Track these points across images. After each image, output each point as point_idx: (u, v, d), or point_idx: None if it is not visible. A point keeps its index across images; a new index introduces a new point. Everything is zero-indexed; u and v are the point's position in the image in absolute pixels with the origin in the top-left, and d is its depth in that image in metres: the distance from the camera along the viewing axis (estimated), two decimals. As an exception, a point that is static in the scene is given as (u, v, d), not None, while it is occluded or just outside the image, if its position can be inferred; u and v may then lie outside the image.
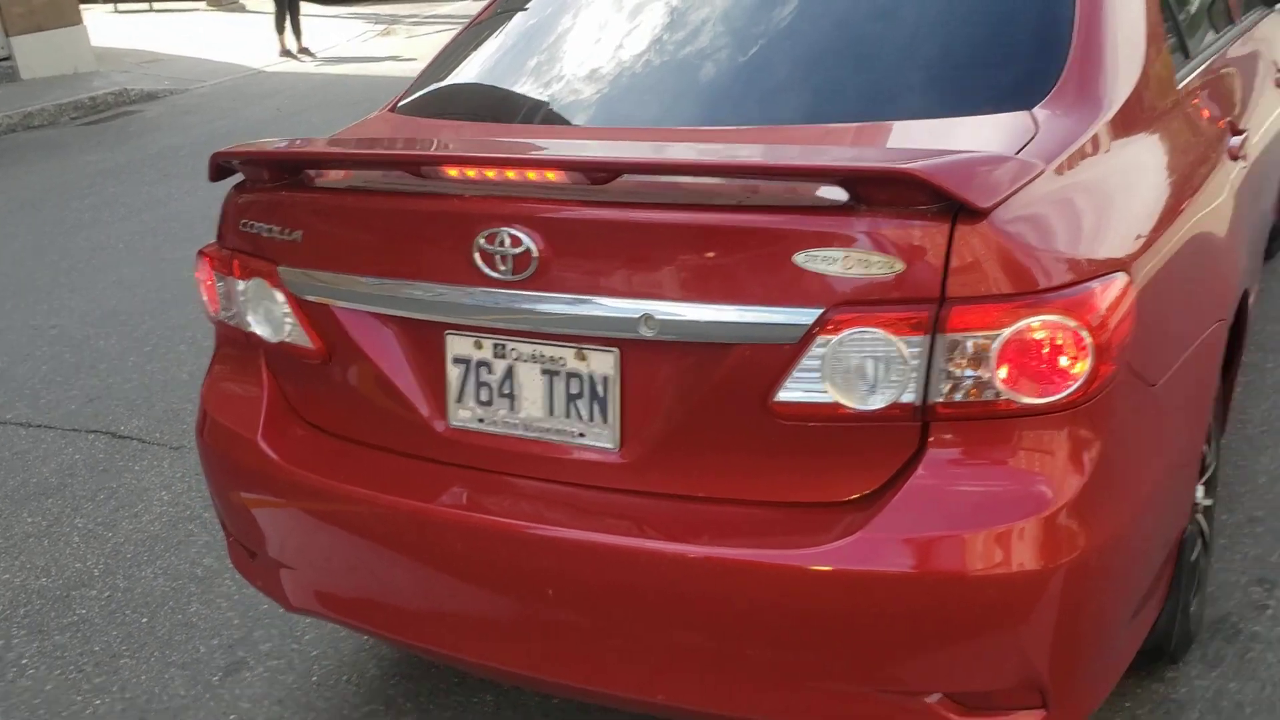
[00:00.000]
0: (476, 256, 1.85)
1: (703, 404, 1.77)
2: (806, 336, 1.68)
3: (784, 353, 1.70)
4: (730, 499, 1.80)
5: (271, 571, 2.26)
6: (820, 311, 1.67)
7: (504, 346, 1.91)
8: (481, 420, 1.95)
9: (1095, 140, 1.93)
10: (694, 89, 2.23)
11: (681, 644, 1.81)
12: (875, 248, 1.64)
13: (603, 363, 1.84)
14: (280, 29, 13.51)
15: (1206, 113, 2.45)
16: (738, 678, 1.79)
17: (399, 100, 2.63)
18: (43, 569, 3.25)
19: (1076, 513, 1.68)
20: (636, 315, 1.76)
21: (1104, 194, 1.87)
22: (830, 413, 1.70)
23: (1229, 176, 2.41)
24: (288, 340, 2.14)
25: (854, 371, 1.68)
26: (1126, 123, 2.05)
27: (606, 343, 1.82)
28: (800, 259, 1.67)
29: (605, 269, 1.79)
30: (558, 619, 1.89)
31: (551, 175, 1.82)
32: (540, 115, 2.34)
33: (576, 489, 1.89)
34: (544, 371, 1.89)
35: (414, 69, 3.02)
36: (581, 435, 1.88)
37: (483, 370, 1.94)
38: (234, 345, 2.32)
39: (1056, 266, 1.68)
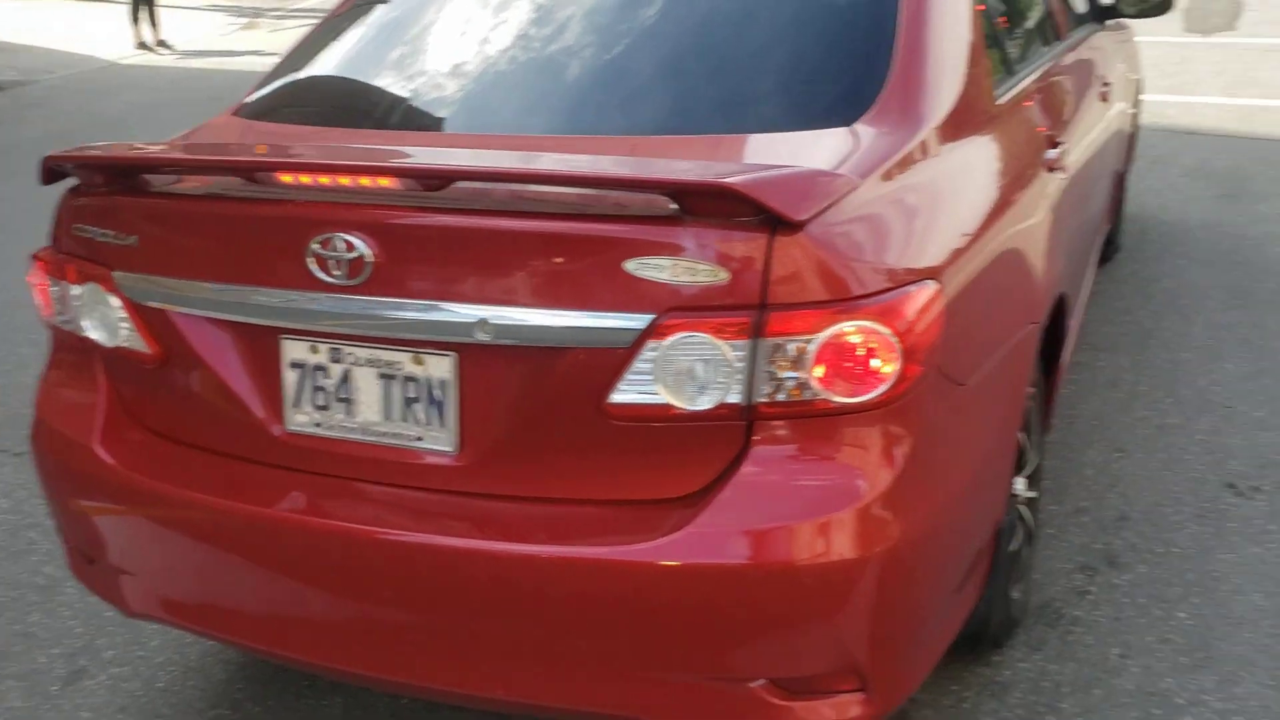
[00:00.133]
0: (310, 261, 1.87)
1: (539, 406, 1.82)
2: (638, 341, 1.74)
3: (617, 356, 1.76)
4: (566, 499, 1.85)
5: (111, 577, 2.23)
6: (651, 317, 1.73)
7: (340, 351, 1.93)
8: (319, 425, 1.97)
9: (912, 155, 2.04)
10: (535, 98, 2.28)
11: (518, 641, 1.86)
12: (701, 256, 1.71)
13: (440, 367, 1.87)
14: (136, 20, 13.05)
15: (1025, 127, 2.59)
16: (572, 671, 1.85)
17: (243, 102, 2.61)
18: None
19: (889, 504, 1.78)
20: (472, 320, 1.80)
21: (918, 206, 1.98)
22: (661, 413, 1.77)
23: (1045, 188, 2.55)
24: (124, 345, 2.11)
25: (683, 374, 1.75)
26: (944, 137, 2.16)
27: (443, 347, 1.86)
28: (631, 266, 1.73)
29: (441, 274, 1.82)
30: (399, 620, 1.92)
31: (385, 181, 1.84)
32: (381, 120, 2.36)
33: (415, 492, 1.92)
34: (381, 375, 1.91)
35: (273, 66, 3.00)
36: (419, 439, 1.91)
37: (319, 374, 1.95)
38: (70, 350, 2.28)
39: (870, 275, 1.78)
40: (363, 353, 1.92)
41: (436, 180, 1.79)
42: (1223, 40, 9.92)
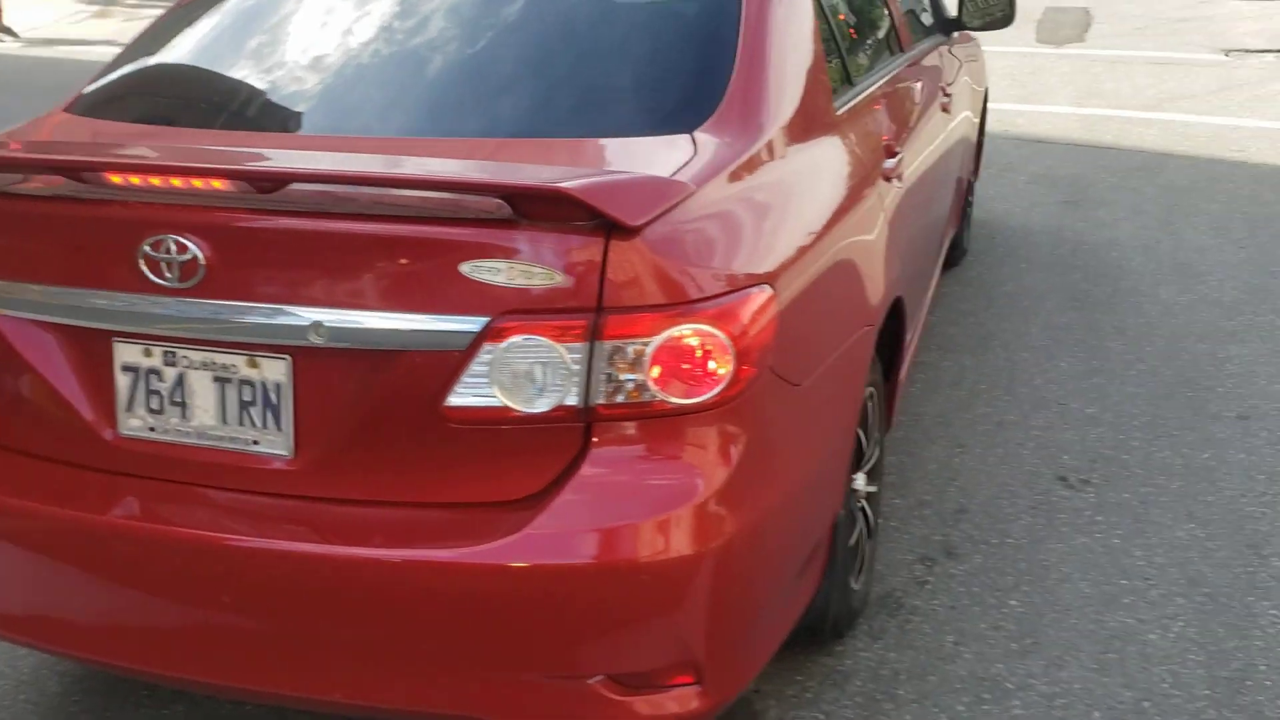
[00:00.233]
0: (142, 263, 1.84)
1: (376, 410, 1.82)
2: (474, 343, 1.76)
3: (453, 359, 1.77)
4: (404, 501, 1.86)
5: (-67, 590, 2.15)
6: (487, 320, 1.75)
7: (174, 354, 1.90)
8: (153, 429, 1.93)
9: (750, 162, 2.10)
10: (379, 100, 2.27)
11: (357, 644, 1.86)
12: (537, 260, 1.74)
13: (275, 370, 1.85)
14: (-23, 5, 12.48)
15: (864, 136, 2.68)
16: (412, 673, 1.86)
17: (77, 96, 2.54)
18: None
19: (724, 502, 1.83)
20: (307, 323, 1.80)
21: (754, 212, 2.04)
22: (499, 416, 1.79)
23: (882, 196, 2.65)
24: (-54, 349, 2.04)
25: (520, 376, 1.77)
26: (783, 146, 2.23)
27: (278, 350, 1.84)
28: (467, 269, 1.74)
29: (275, 277, 1.81)
30: (238, 626, 1.90)
31: (218, 183, 1.82)
32: (217, 119, 2.32)
33: (251, 496, 1.91)
34: (216, 379, 1.89)
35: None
36: (255, 443, 1.89)
37: (153, 378, 1.92)
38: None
39: (704, 279, 1.83)
40: (197, 356, 1.89)
41: (269, 183, 1.77)
42: (1073, 51, 10.37)
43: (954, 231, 4.68)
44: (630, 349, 1.77)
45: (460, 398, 1.78)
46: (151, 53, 2.60)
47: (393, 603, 1.81)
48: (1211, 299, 4.68)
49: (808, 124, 2.37)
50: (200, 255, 1.81)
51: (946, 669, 2.61)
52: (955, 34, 4.60)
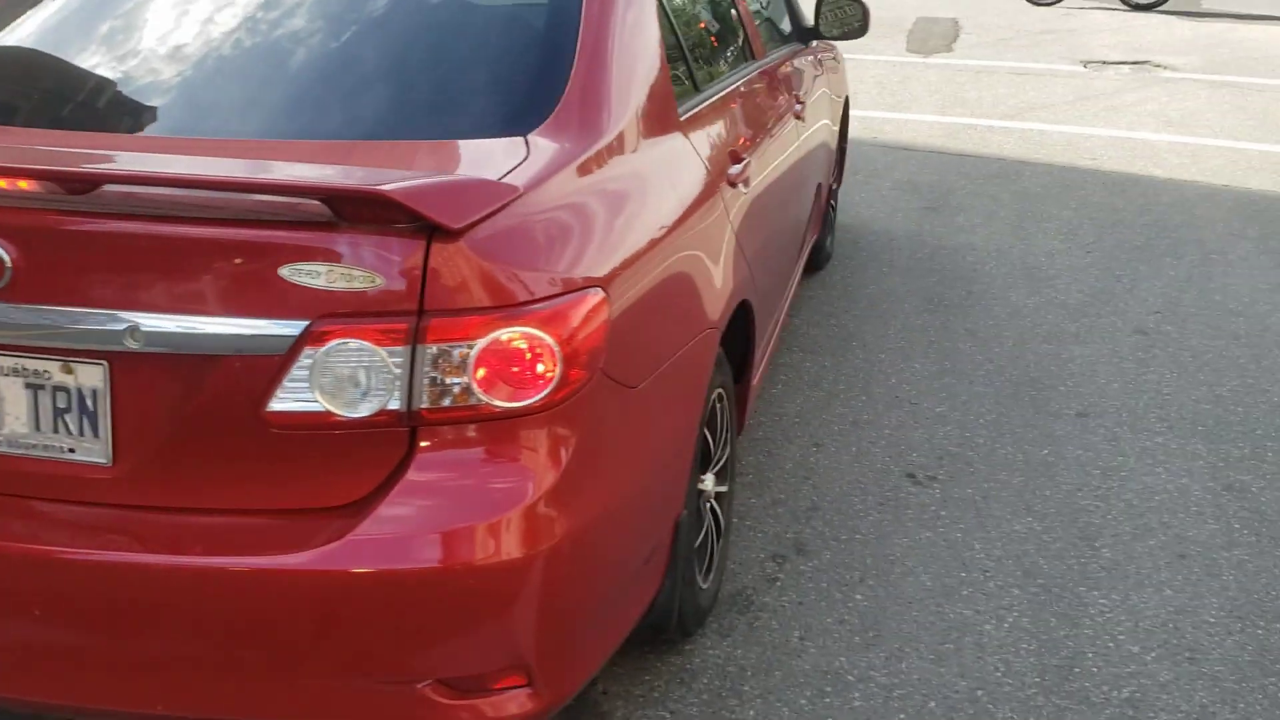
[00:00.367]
0: (-55, 267, 1.77)
1: (196, 416, 1.79)
2: (294, 347, 1.74)
3: (273, 364, 1.75)
4: (228, 509, 1.83)
5: None
6: (306, 323, 1.73)
7: None
8: (-40, 438, 1.87)
9: (585, 165, 2.12)
10: (208, 100, 2.23)
11: (182, 655, 1.82)
12: (357, 262, 1.73)
13: (91, 375, 1.81)
14: None
15: (708, 142, 2.72)
16: (240, 683, 1.83)
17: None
18: None
19: (553, 504, 1.84)
20: (122, 327, 1.75)
21: (586, 215, 2.06)
22: (321, 421, 1.77)
23: (725, 201, 2.69)
24: None
25: (341, 381, 1.76)
26: (620, 150, 2.25)
27: (94, 355, 1.80)
28: (286, 272, 1.73)
29: (89, 280, 1.77)
30: (58, 640, 1.85)
31: (24, 184, 1.77)
32: (41, 117, 2.25)
33: (68, 506, 1.85)
34: (28, 385, 1.83)
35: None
36: (72, 450, 1.84)
37: None
38: None
39: (532, 282, 1.84)
40: (6, 361, 1.83)
41: (79, 184, 1.73)
42: (940, 61, 10.66)
43: (815, 237, 4.77)
44: (455, 352, 1.77)
45: (281, 402, 1.76)
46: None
47: (215, 612, 1.78)
48: (1058, 301, 4.87)
49: (648, 128, 2.40)
50: (7, 258, 1.75)
51: (791, 664, 2.66)
52: (815, 43, 4.70)
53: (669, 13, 2.83)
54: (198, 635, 1.79)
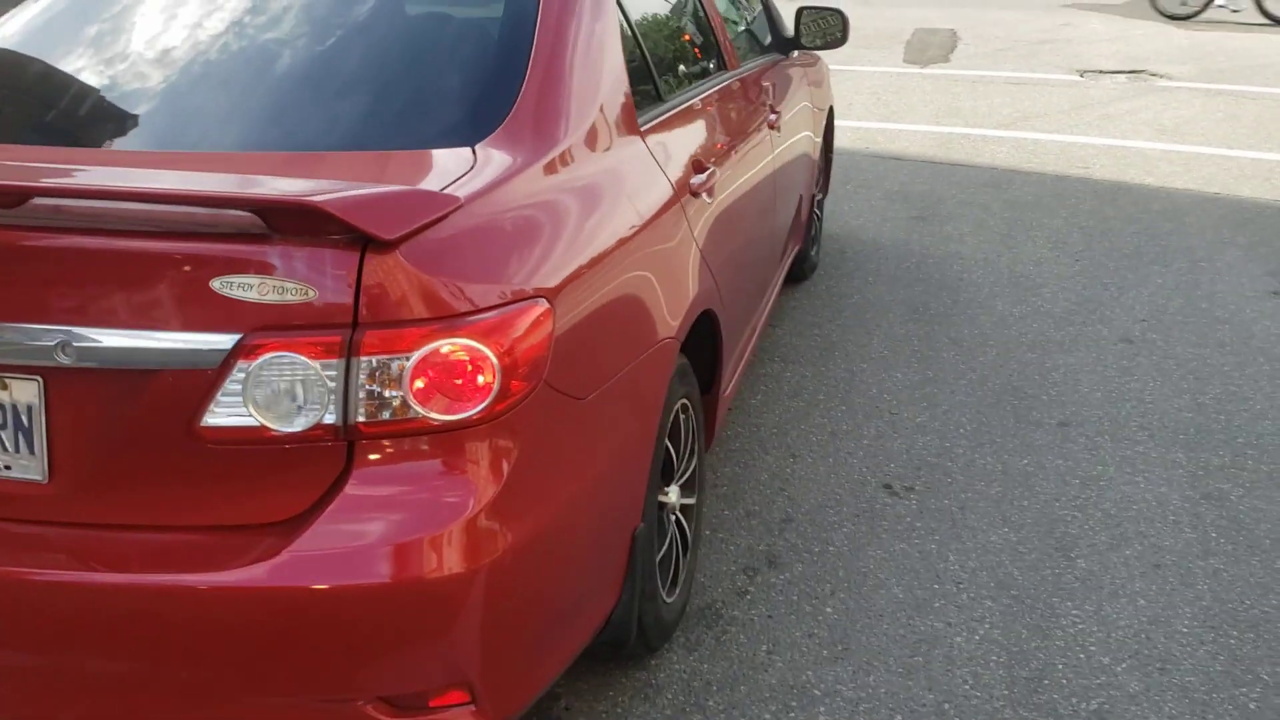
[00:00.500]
0: (-127, 283, 1.76)
1: (131, 431, 1.77)
2: (226, 361, 1.72)
3: (206, 378, 1.73)
4: (164, 525, 1.81)
5: None
6: (239, 336, 1.72)
7: None
8: (-106, 455, 1.85)
9: (534, 175, 2.10)
10: (146, 111, 2.22)
11: (118, 674, 1.80)
12: (289, 275, 1.71)
13: (26, 391, 1.79)
14: None
15: (669, 152, 2.70)
16: (176, 702, 1.80)
17: None
18: None
19: (495, 518, 1.82)
20: (54, 343, 1.74)
21: (532, 226, 2.03)
22: (256, 435, 1.75)
23: (686, 211, 2.67)
24: None
25: (276, 395, 1.74)
26: (572, 160, 2.23)
27: (28, 371, 1.78)
28: (217, 285, 1.71)
29: (19, 294, 1.75)
30: (-4, 660, 1.83)
31: (-47, 199, 1.76)
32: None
33: (4, 523, 1.84)
34: None
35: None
36: (8, 467, 1.83)
37: None
38: None
39: (472, 293, 1.82)
40: (-61, 378, 1.82)
41: (7, 197, 1.71)
42: (937, 71, 10.65)
43: (798, 247, 4.75)
44: (392, 365, 1.75)
45: (215, 417, 1.74)
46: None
47: (151, 630, 1.75)
48: (1044, 310, 4.84)
49: (606, 138, 2.38)
50: (-64, 273, 1.74)
51: (757, 678, 2.63)
52: (796, 54, 4.68)
53: (632, 23, 2.81)
54: (134, 654, 1.77)
